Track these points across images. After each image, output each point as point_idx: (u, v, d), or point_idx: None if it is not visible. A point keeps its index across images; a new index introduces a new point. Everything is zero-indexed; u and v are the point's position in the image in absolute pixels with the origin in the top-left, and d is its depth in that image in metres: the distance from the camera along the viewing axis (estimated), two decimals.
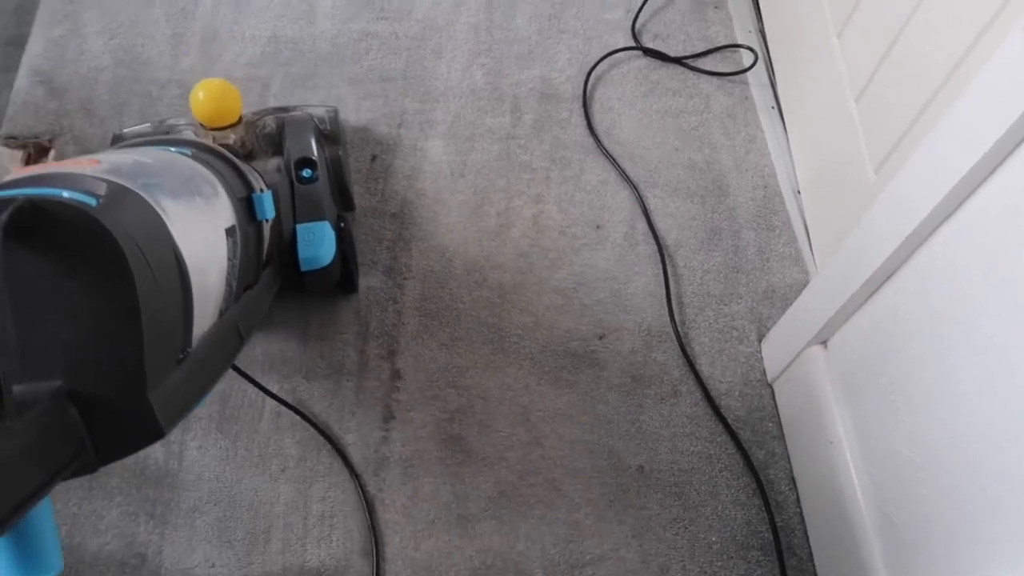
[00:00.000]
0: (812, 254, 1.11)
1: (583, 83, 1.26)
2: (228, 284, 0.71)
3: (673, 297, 1.07)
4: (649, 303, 1.07)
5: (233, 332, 0.74)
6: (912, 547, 0.73)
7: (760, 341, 1.05)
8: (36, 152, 1.16)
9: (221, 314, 0.70)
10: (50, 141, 1.18)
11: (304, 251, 0.92)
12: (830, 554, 0.88)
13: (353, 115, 1.22)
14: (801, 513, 0.94)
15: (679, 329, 1.05)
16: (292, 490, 0.94)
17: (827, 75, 1.08)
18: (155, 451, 0.95)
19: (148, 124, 1.07)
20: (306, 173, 0.96)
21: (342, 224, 1.01)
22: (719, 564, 0.91)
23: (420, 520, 0.92)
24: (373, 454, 0.96)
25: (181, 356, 0.60)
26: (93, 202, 0.51)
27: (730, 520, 0.93)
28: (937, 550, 0.69)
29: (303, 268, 0.93)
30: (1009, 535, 0.59)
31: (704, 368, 1.03)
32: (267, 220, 0.85)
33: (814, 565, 0.90)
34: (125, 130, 1.07)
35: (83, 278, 0.50)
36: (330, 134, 1.08)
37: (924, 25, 0.85)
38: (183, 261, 0.59)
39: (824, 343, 0.90)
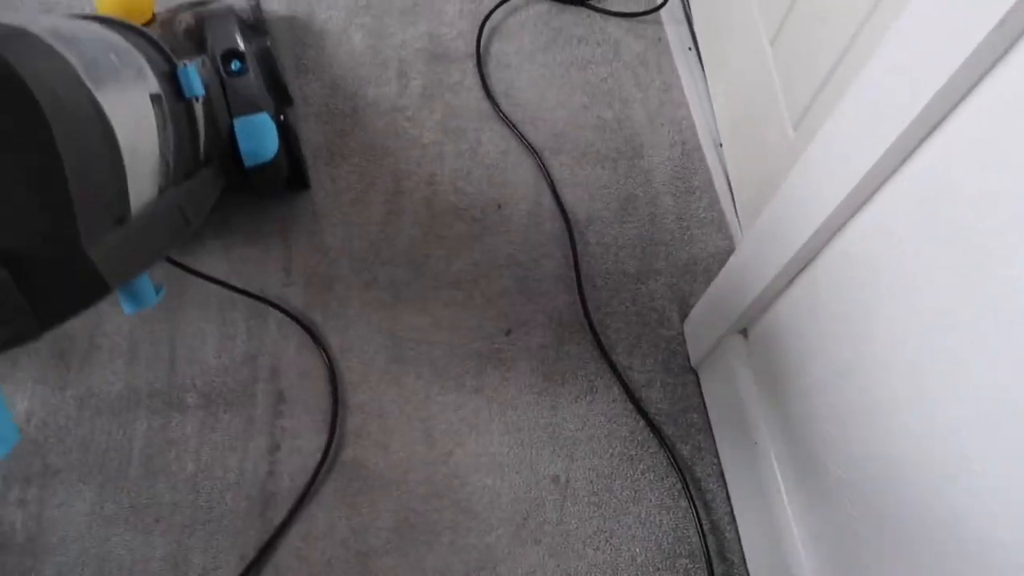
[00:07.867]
0: (737, 215, 1.00)
1: (476, 37, 1.12)
2: (163, 158, 0.68)
3: (585, 280, 0.97)
4: (559, 289, 0.97)
5: (177, 213, 0.72)
6: (841, 567, 0.66)
7: (683, 321, 0.95)
8: None
9: (161, 191, 0.68)
10: None
11: (245, 144, 0.87)
12: (761, 559, 0.80)
13: None
14: (732, 512, 0.86)
15: (592, 316, 0.94)
16: (169, 542, 0.84)
17: (742, 10, 0.95)
18: (9, 514, 0.85)
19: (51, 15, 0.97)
20: (235, 66, 0.90)
21: (282, 117, 0.94)
22: None
23: (315, 563, 0.83)
24: (259, 493, 0.86)
25: (119, 219, 0.58)
26: None
27: (655, 527, 0.85)
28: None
29: (247, 163, 0.88)
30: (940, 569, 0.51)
31: (622, 358, 0.93)
32: (196, 99, 0.79)
33: (747, 570, 0.83)
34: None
35: None
36: (254, 24, 1.01)
37: None
38: (104, 112, 0.55)
39: (744, 332, 0.81)
